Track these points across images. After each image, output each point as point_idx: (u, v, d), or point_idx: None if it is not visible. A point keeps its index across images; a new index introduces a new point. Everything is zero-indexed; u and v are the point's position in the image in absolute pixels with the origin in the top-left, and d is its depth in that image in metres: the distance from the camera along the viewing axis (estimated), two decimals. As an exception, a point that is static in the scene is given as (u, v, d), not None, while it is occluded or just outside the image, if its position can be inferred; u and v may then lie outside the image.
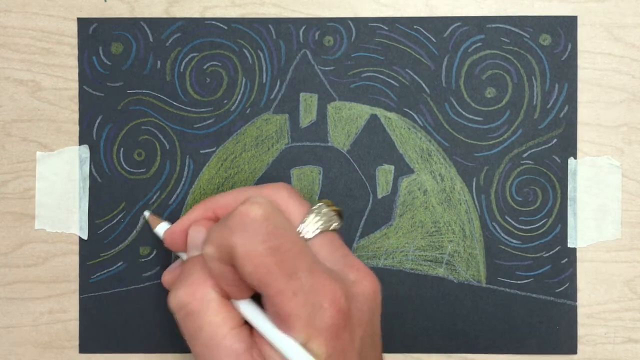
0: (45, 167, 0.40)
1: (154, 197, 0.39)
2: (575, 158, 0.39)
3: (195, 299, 0.29)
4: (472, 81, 0.39)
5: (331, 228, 0.32)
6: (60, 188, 0.39)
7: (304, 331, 0.27)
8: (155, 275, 0.39)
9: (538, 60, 0.39)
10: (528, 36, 0.39)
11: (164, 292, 0.39)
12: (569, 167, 0.39)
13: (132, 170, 0.40)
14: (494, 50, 0.39)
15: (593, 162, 0.39)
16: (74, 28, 0.40)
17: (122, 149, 0.40)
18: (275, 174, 0.39)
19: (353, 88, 0.40)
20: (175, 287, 0.30)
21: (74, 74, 0.40)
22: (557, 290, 0.39)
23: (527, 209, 0.39)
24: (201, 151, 0.40)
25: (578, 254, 0.39)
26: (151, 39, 0.40)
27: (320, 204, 0.32)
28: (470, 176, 0.39)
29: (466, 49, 0.39)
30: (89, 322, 0.39)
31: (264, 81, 0.40)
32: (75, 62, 0.40)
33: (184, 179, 0.40)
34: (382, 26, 0.39)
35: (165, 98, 0.40)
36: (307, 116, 0.40)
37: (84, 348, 0.39)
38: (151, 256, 0.39)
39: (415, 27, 0.39)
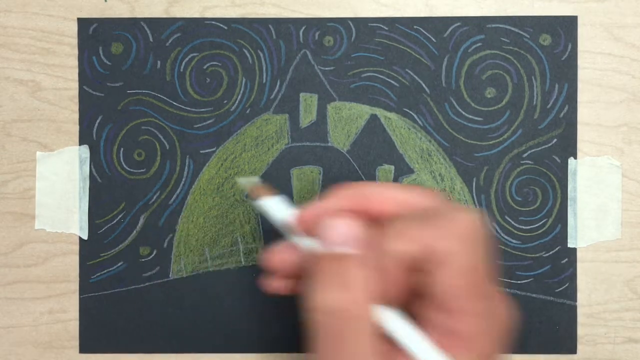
0: (45, 167, 0.40)
1: (154, 197, 0.39)
2: (575, 158, 0.39)
3: (357, 306, 0.25)
4: (472, 81, 0.39)
5: None
6: (60, 188, 0.39)
7: (475, 353, 0.25)
8: (155, 275, 0.39)
9: (538, 60, 0.39)
10: (528, 36, 0.39)
11: (164, 292, 0.39)
12: (569, 167, 0.39)
13: (132, 170, 0.40)
14: (494, 50, 0.39)
15: (593, 162, 0.39)
16: (74, 28, 0.40)
17: (122, 149, 0.40)
18: (275, 174, 0.39)
19: (353, 88, 0.40)
20: (326, 286, 0.26)
21: (74, 74, 0.40)
22: (557, 290, 0.39)
23: (527, 209, 0.39)
24: (201, 151, 0.40)
25: (578, 254, 0.39)
26: (151, 39, 0.40)
27: None
28: (470, 176, 0.39)
29: (466, 49, 0.39)
30: (89, 322, 0.39)
31: (264, 81, 0.40)
32: (75, 62, 0.40)
33: (184, 179, 0.40)
34: (382, 26, 0.39)
35: (165, 98, 0.40)
36: (307, 116, 0.40)
37: (84, 348, 0.39)
38: (151, 256, 0.39)
39: (415, 27, 0.39)
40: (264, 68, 0.40)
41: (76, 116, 0.40)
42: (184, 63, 0.40)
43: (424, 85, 0.39)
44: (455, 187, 0.39)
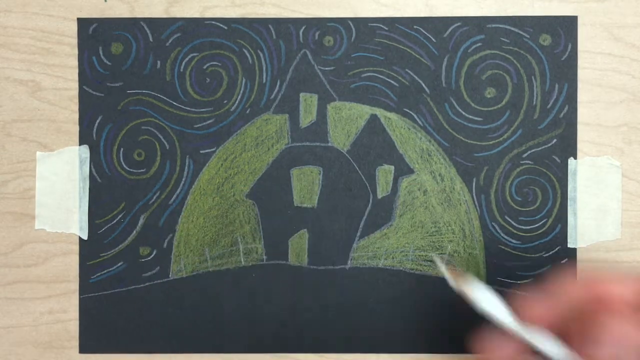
0: (45, 167, 0.40)
1: (154, 197, 0.39)
2: (575, 158, 0.39)
3: None
4: (472, 81, 0.39)
5: None
6: (60, 188, 0.39)
7: None
8: (155, 275, 0.39)
9: (538, 60, 0.39)
10: (528, 36, 0.39)
11: (163, 293, 0.39)
12: (569, 167, 0.39)
13: (132, 170, 0.40)
14: (494, 50, 0.39)
15: (593, 162, 0.39)
16: (74, 28, 0.40)
17: (122, 149, 0.40)
18: (275, 174, 0.39)
19: (353, 88, 0.40)
20: None
21: (74, 74, 0.40)
22: (557, 290, 0.39)
23: (527, 209, 0.39)
24: (201, 151, 0.40)
25: (578, 254, 0.39)
26: (151, 39, 0.40)
27: None
28: (470, 176, 0.39)
29: (466, 49, 0.39)
30: (89, 322, 0.39)
31: (264, 81, 0.40)
32: (75, 62, 0.40)
33: (184, 179, 0.40)
34: (382, 26, 0.39)
35: (165, 98, 0.40)
36: (307, 116, 0.40)
37: (84, 348, 0.39)
38: (151, 256, 0.39)
39: (415, 27, 0.39)
40: (264, 68, 0.40)
41: (76, 116, 0.40)
42: (184, 63, 0.40)
43: (424, 85, 0.39)
44: (455, 187, 0.39)
